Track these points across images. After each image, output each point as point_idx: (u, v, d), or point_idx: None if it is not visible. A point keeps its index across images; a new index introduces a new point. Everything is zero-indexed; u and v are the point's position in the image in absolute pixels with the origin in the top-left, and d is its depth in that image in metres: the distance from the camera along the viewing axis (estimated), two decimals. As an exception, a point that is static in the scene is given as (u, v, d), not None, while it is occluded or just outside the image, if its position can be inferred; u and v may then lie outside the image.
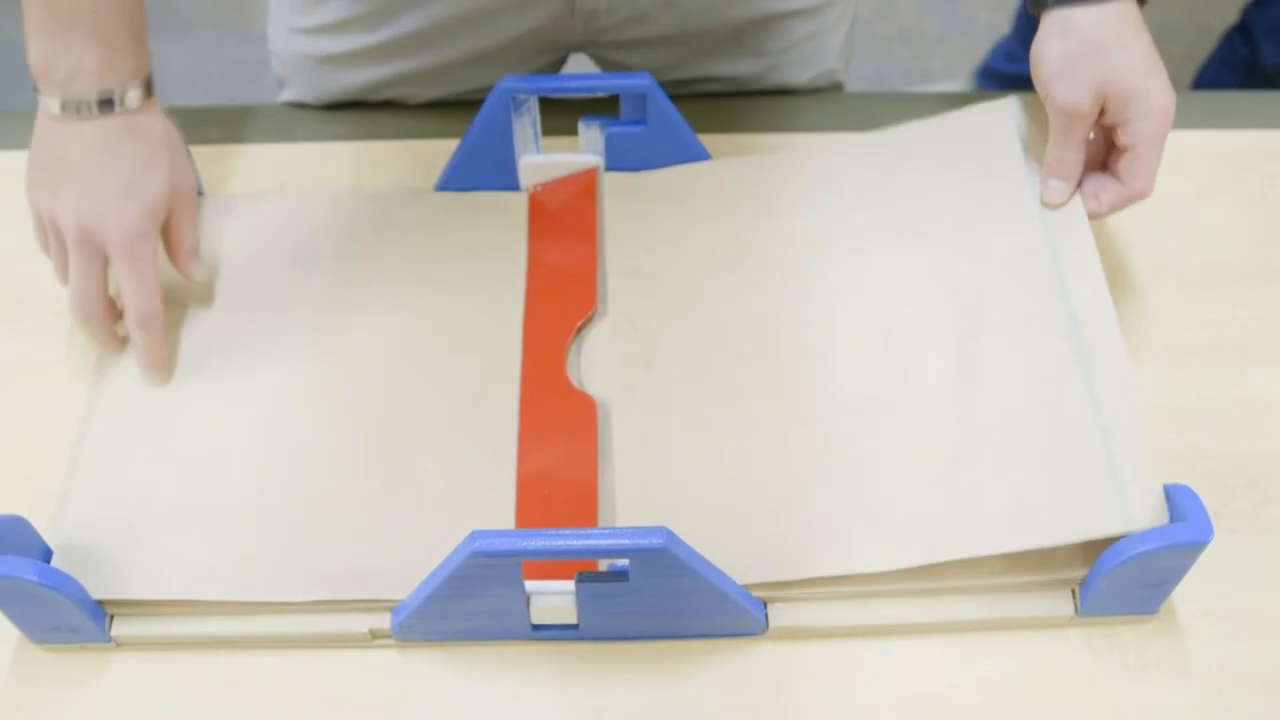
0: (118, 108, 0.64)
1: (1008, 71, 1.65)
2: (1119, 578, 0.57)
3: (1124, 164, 0.65)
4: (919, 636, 0.60)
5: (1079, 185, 0.67)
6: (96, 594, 0.58)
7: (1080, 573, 0.59)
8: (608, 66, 0.87)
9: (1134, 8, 0.65)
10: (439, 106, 0.83)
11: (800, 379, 0.65)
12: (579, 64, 0.87)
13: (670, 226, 0.72)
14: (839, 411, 0.63)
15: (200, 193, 0.74)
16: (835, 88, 0.89)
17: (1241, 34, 1.54)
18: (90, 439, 0.64)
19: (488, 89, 0.71)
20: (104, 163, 0.64)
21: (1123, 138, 0.65)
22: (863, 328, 0.66)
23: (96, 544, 0.60)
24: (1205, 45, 1.69)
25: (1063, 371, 0.61)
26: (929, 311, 0.66)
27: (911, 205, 0.70)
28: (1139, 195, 0.66)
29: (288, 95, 0.86)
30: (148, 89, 0.65)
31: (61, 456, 0.63)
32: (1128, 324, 0.71)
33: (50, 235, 0.65)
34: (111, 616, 0.59)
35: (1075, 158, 0.66)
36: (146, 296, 0.64)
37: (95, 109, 0.63)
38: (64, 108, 0.63)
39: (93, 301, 0.65)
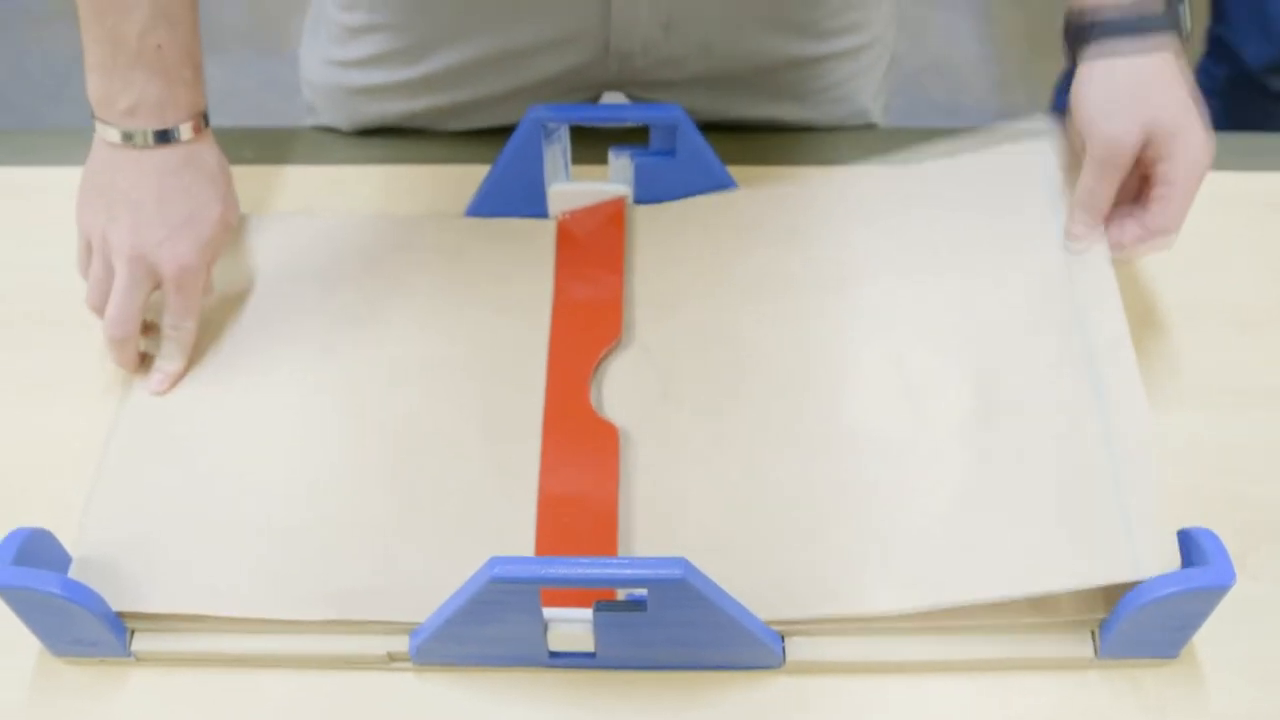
0: (175, 140, 0.65)
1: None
2: (1140, 620, 0.56)
3: (1156, 199, 0.65)
4: (937, 674, 0.60)
5: (1104, 224, 0.67)
6: (116, 606, 0.58)
7: (1101, 614, 0.58)
8: None
9: (1171, 58, 0.65)
10: (470, 134, 0.84)
11: (818, 416, 0.65)
12: (610, 97, 0.88)
13: (696, 257, 0.72)
14: (855, 450, 0.63)
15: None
16: (869, 126, 0.89)
17: (1212, 57, 1.50)
18: (115, 452, 0.64)
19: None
20: (164, 192, 0.65)
21: (1161, 173, 0.65)
22: (882, 365, 0.66)
23: (117, 556, 0.60)
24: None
25: (1078, 415, 0.61)
26: (948, 351, 0.66)
27: (935, 242, 0.70)
28: (1165, 232, 0.65)
29: (318, 121, 0.87)
30: (204, 120, 0.66)
31: (90, 470, 0.64)
32: (1156, 365, 0.71)
33: (96, 257, 0.66)
34: (132, 631, 0.60)
35: (1107, 194, 0.66)
36: (186, 321, 0.66)
37: (153, 140, 0.64)
38: (123, 138, 0.64)
39: (130, 323, 0.66)
